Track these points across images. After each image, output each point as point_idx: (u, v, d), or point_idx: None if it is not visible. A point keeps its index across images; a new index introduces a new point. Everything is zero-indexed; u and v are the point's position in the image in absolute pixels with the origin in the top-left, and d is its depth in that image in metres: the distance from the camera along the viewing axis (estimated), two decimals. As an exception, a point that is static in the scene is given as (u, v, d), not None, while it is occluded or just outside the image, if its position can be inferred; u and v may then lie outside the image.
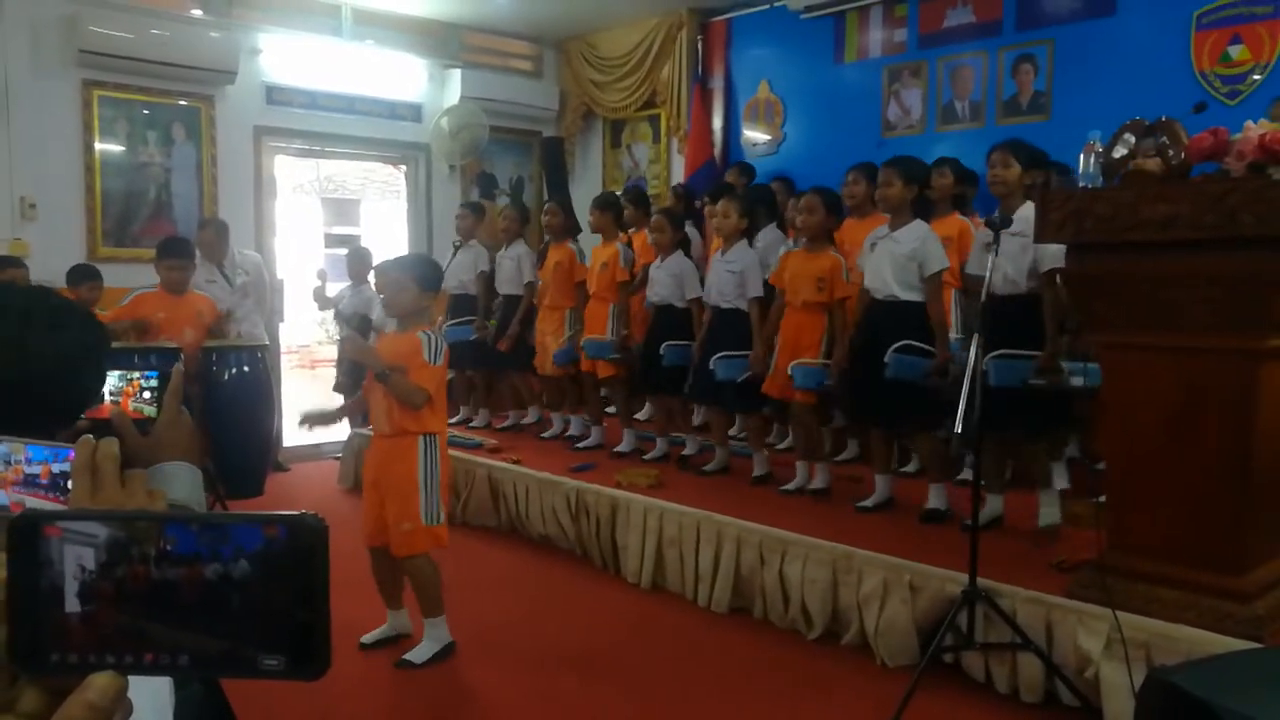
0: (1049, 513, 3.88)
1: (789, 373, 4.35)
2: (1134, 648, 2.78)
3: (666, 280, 5.08)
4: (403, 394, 3.30)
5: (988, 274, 3.14)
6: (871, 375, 3.98)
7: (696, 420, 5.99)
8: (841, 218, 4.75)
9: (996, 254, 3.19)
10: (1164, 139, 2.82)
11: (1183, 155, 2.77)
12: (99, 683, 0.53)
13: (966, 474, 4.75)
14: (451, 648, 3.51)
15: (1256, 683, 1.56)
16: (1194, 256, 2.70)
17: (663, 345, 5.02)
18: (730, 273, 4.69)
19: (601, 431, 5.67)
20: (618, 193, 6.43)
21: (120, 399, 1.41)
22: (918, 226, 4.07)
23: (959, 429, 2.89)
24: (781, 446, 5.53)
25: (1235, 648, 2.54)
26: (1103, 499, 3.13)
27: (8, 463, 0.92)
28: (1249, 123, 2.70)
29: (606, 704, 3.19)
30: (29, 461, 0.94)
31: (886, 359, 3.90)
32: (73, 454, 0.68)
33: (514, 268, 5.98)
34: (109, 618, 0.54)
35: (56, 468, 0.89)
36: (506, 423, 6.17)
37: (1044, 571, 3.31)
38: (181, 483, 1.25)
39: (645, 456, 5.19)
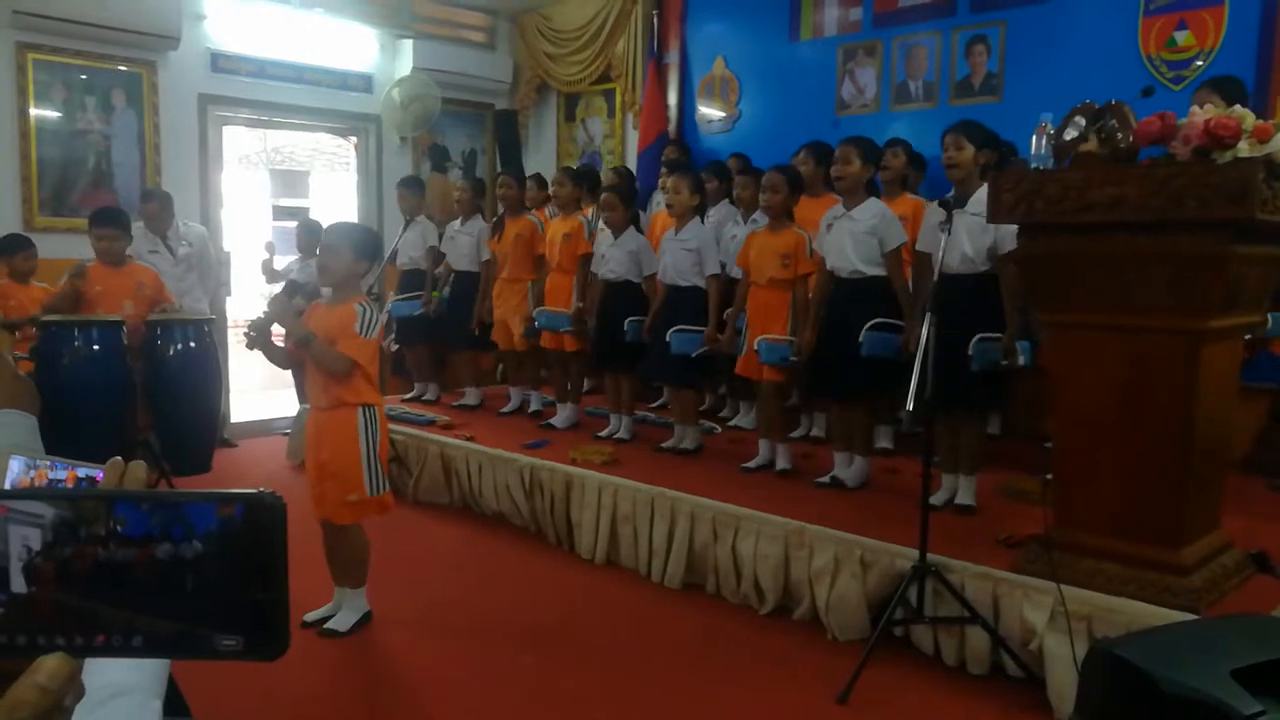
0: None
1: (754, 347, 4.36)
2: (1077, 620, 2.85)
3: (623, 258, 5.05)
4: (323, 360, 3.25)
5: (940, 253, 3.18)
6: (839, 353, 4.00)
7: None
8: (800, 194, 4.76)
9: (949, 233, 3.23)
10: (1113, 122, 2.86)
11: (1131, 139, 2.82)
12: (48, 665, 0.52)
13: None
14: (369, 616, 3.57)
15: (1192, 653, 1.61)
16: (1141, 238, 2.76)
17: (626, 321, 5.00)
18: (687, 251, 4.68)
19: (572, 408, 5.53)
20: (573, 167, 6.37)
21: None
22: (873, 204, 4.11)
23: (911, 406, 2.94)
24: (733, 422, 5.57)
25: (1174, 619, 2.61)
26: (1049, 476, 3.19)
27: (32, 466, 0.90)
28: (1195, 108, 2.75)
29: (560, 680, 3.19)
30: (54, 467, 0.92)
31: (861, 338, 3.93)
32: (101, 475, 0.68)
33: (471, 244, 5.89)
34: (57, 599, 0.52)
35: (82, 472, 0.88)
36: (462, 400, 6.12)
37: (992, 547, 3.37)
38: (11, 431, 1.20)
39: (602, 434, 5.17)
